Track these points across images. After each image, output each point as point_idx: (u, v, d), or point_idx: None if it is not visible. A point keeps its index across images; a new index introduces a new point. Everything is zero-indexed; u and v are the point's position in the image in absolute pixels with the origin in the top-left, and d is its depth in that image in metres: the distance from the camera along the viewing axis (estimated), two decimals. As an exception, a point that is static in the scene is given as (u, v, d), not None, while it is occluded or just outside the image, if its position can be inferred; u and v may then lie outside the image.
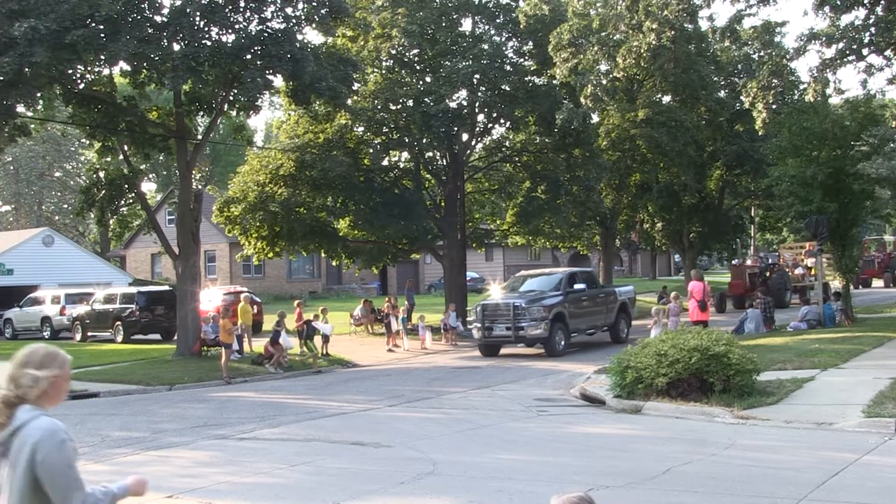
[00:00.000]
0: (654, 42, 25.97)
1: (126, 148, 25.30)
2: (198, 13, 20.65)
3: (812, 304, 25.43)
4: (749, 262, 39.07)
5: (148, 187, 69.04)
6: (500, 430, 12.05)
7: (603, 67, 31.49)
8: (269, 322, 32.67)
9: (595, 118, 34.55)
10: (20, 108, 22.41)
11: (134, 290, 31.71)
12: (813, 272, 35.54)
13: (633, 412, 12.87)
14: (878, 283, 45.54)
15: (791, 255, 38.94)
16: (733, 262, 42.87)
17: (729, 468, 9.13)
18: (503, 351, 23.56)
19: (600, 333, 25.48)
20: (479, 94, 30.99)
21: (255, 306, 28.57)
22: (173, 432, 12.74)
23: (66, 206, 65.00)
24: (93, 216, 26.92)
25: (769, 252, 46.49)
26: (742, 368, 12.77)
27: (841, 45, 22.72)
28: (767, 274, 34.85)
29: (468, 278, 39.11)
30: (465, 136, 32.98)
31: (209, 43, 21.00)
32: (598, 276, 47.62)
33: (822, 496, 7.86)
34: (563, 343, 22.58)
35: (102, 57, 19.84)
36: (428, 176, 34.49)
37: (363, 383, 18.80)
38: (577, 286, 23.67)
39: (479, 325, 22.95)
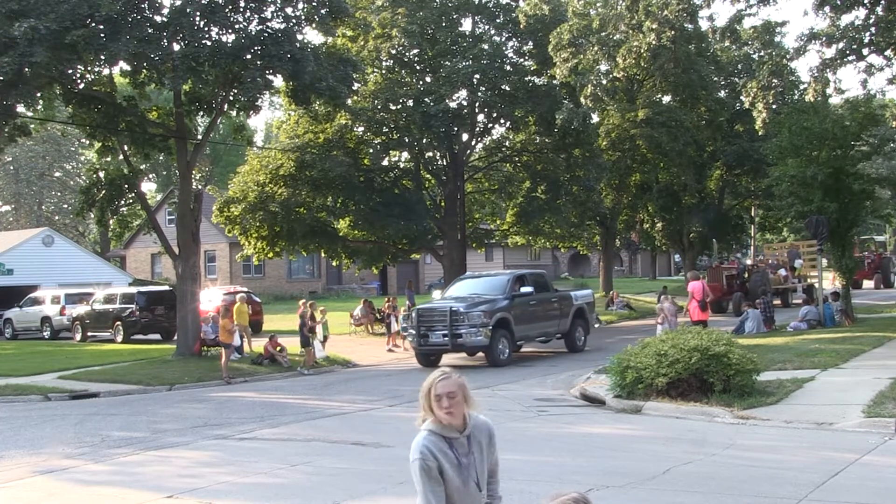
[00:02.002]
0: (654, 42, 25.97)
1: (126, 148, 25.28)
2: (198, 13, 20.64)
3: (812, 303, 25.40)
4: (727, 264, 37.05)
5: (148, 187, 69.13)
6: (499, 430, 11.89)
7: (603, 67, 31.53)
8: (268, 322, 32.73)
9: (595, 118, 34.58)
10: (20, 108, 22.39)
11: (134, 290, 31.68)
12: (796, 274, 34.96)
13: (633, 412, 12.86)
14: (868, 284, 44.52)
15: (776, 254, 37.44)
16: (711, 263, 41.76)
17: (729, 468, 9.13)
18: (447, 359, 21.47)
19: (556, 342, 23.63)
20: (479, 94, 31.01)
21: (251, 306, 28.41)
22: (173, 432, 12.73)
23: (66, 206, 65.02)
24: (93, 216, 26.88)
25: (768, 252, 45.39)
26: (742, 368, 12.77)
27: (841, 44, 22.74)
28: (746, 276, 32.87)
29: (468, 278, 39.03)
30: (465, 136, 33.01)
31: (209, 43, 20.98)
32: (599, 276, 47.77)
33: (822, 496, 7.85)
34: (507, 352, 20.72)
35: (102, 57, 19.82)
36: (428, 176, 34.51)
37: (363, 383, 18.79)
38: (524, 289, 21.64)
39: (413, 331, 21.20)
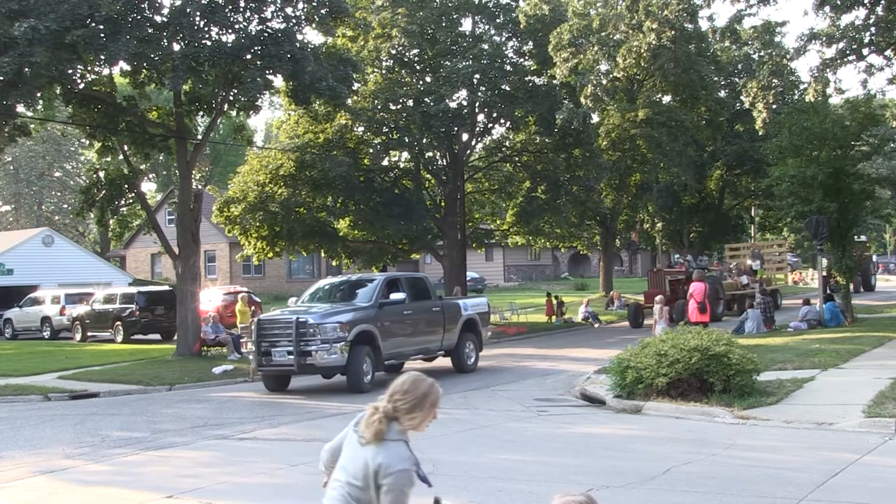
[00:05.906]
0: (654, 42, 26.00)
1: (126, 148, 25.29)
2: (198, 13, 20.64)
3: (812, 303, 25.36)
4: (675, 268, 32.31)
5: (148, 187, 69.11)
6: (500, 431, 12.04)
7: (603, 67, 31.55)
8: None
9: (595, 118, 34.59)
10: (20, 108, 22.39)
11: (134, 290, 31.68)
12: (757, 277, 33.70)
13: (634, 412, 12.86)
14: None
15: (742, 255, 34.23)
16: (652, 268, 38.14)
17: (729, 468, 9.13)
18: (297, 381, 17.90)
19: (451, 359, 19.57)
20: (479, 94, 31.02)
21: (253, 306, 28.46)
22: (173, 432, 12.73)
23: (66, 206, 65.07)
24: (93, 216, 26.90)
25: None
26: (742, 368, 12.77)
27: (841, 44, 22.76)
28: None
29: (468, 278, 39.11)
30: (465, 136, 33.01)
31: (209, 43, 20.98)
32: (599, 276, 47.74)
33: (822, 496, 7.85)
34: (370, 374, 16.71)
35: (102, 57, 19.83)
36: (428, 176, 34.52)
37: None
38: (394, 296, 17.73)
39: (254, 347, 17.14)
